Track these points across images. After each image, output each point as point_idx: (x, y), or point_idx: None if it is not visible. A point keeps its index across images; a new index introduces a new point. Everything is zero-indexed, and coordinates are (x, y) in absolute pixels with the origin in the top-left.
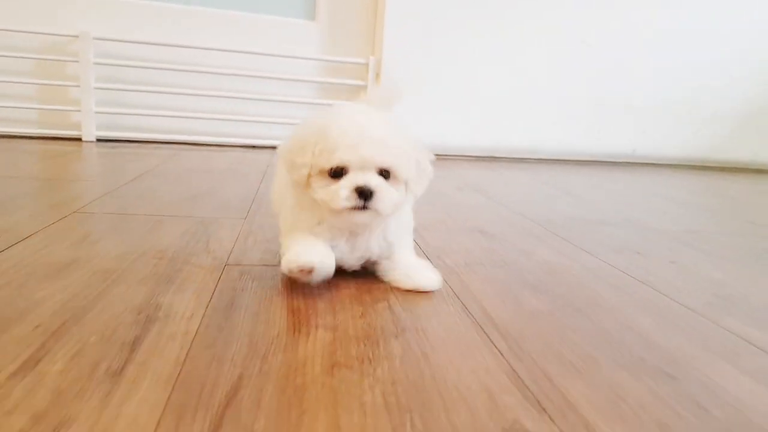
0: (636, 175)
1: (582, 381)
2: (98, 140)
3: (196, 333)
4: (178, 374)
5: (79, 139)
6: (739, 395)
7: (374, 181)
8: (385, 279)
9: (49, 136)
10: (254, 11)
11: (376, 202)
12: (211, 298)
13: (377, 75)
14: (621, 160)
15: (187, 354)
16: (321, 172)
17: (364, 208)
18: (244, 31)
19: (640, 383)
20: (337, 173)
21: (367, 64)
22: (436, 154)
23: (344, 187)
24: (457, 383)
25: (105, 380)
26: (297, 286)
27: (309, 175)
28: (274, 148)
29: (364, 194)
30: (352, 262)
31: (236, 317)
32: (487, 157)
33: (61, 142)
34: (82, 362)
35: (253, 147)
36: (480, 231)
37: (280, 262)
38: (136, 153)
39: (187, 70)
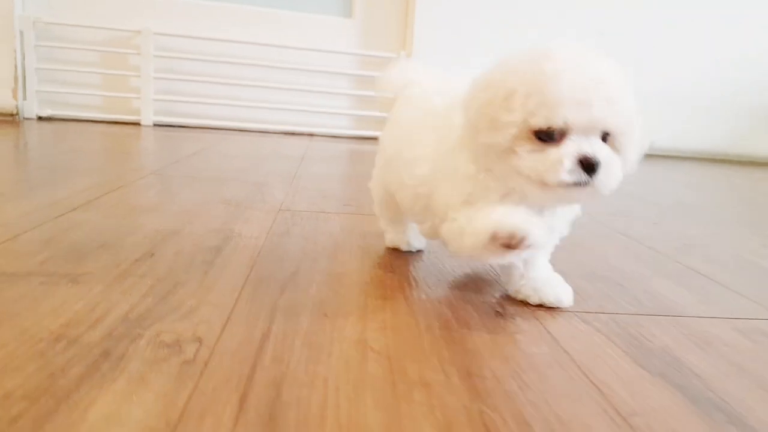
0: (651, 165)
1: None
2: (155, 125)
3: (262, 246)
4: (253, 265)
5: (138, 124)
6: (671, 297)
7: (603, 152)
8: (507, 287)
9: (112, 120)
10: (297, 10)
11: (602, 177)
12: (271, 227)
13: None
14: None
15: (258, 254)
16: (529, 133)
17: (587, 184)
18: (288, 27)
19: (595, 287)
20: (549, 135)
21: (398, 59)
22: None
23: (568, 156)
24: None
25: (202, 265)
26: (334, 229)
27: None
28: (311, 135)
29: (592, 167)
30: None
31: (291, 239)
32: None
33: (122, 126)
34: (183, 256)
35: (293, 134)
36: None
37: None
38: (189, 136)
39: (235, 62)
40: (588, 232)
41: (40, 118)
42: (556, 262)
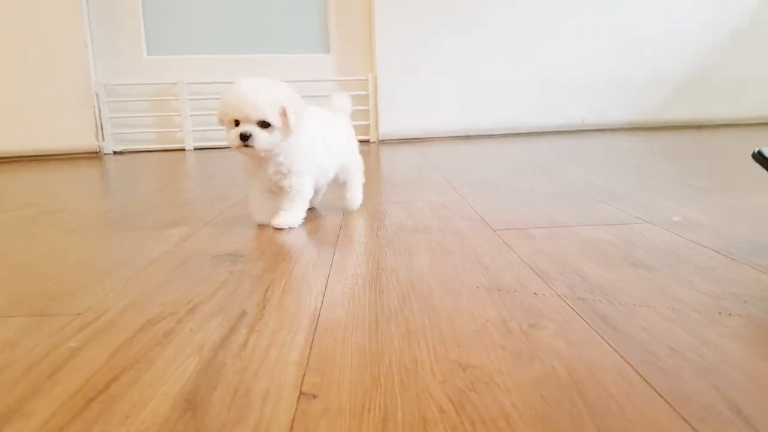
0: (583, 139)
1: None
2: (195, 149)
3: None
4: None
5: (183, 149)
6: (574, 227)
7: (253, 130)
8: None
9: (164, 149)
10: (289, 52)
11: (253, 142)
12: None
13: (375, 86)
14: (573, 129)
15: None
16: (230, 121)
17: (246, 145)
18: (283, 65)
19: (533, 212)
20: (233, 123)
21: (367, 79)
22: (421, 137)
23: (235, 133)
24: None
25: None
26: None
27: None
28: None
29: (245, 137)
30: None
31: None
32: (462, 136)
33: (171, 152)
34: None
35: None
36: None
37: None
38: (219, 154)
39: None
40: (521, 180)
41: (115, 153)
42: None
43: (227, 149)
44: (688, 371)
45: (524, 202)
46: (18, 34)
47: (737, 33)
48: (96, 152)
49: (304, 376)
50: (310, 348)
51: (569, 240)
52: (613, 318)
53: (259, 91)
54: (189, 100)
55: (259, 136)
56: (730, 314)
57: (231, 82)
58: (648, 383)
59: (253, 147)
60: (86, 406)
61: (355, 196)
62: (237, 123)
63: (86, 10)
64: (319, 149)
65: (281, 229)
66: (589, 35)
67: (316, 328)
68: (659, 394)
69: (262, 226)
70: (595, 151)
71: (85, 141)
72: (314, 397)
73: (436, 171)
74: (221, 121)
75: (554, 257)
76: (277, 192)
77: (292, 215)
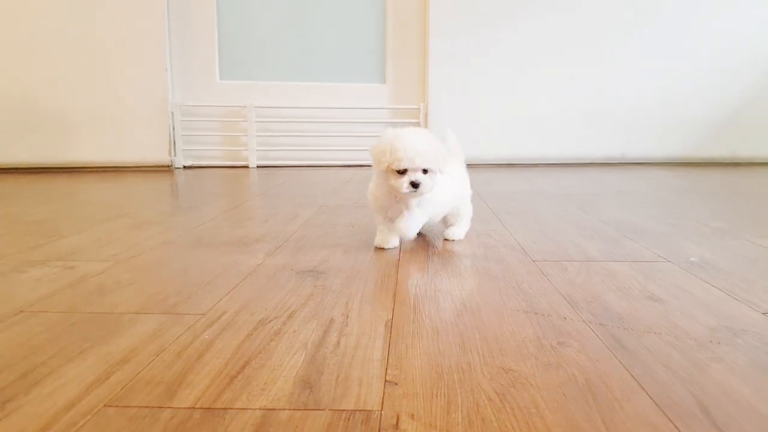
0: (623, 172)
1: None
2: (258, 166)
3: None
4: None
5: (247, 167)
6: (603, 263)
7: (421, 178)
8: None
9: (230, 165)
10: (349, 81)
11: (421, 188)
12: (316, 214)
13: (425, 114)
14: (613, 162)
15: (320, 207)
16: (392, 169)
17: (415, 192)
18: (342, 93)
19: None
20: (399, 171)
21: (419, 108)
22: (470, 164)
23: (406, 181)
24: None
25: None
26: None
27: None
28: (360, 166)
29: (416, 185)
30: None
31: (338, 217)
32: (506, 164)
33: (236, 168)
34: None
35: (347, 166)
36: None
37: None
38: (279, 172)
39: (308, 121)
40: (545, 197)
41: (185, 167)
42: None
43: (285, 167)
44: (675, 383)
45: (562, 234)
46: (107, 56)
47: None
48: (168, 166)
49: (386, 369)
50: (388, 350)
51: (597, 273)
52: (625, 341)
53: (425, 143)
54: (256, 122)
55: (426, 182)
56: (719, 343)
57: (296, 107)
58: (644, 389)
59: (418, 192)
60: (230, 381)
61: (458, 232)
62: (401, 171)
63: (167, 38)
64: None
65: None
66: (632, 64)
67: (390, 336)
68: (651, 398)
69: (378, 249)
70: (632, 187)
71: (158, 155)
72: (396, 384)
73: (480, 199)
74: (382, 166)
75: (583, 288)
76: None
77: (411, 228)
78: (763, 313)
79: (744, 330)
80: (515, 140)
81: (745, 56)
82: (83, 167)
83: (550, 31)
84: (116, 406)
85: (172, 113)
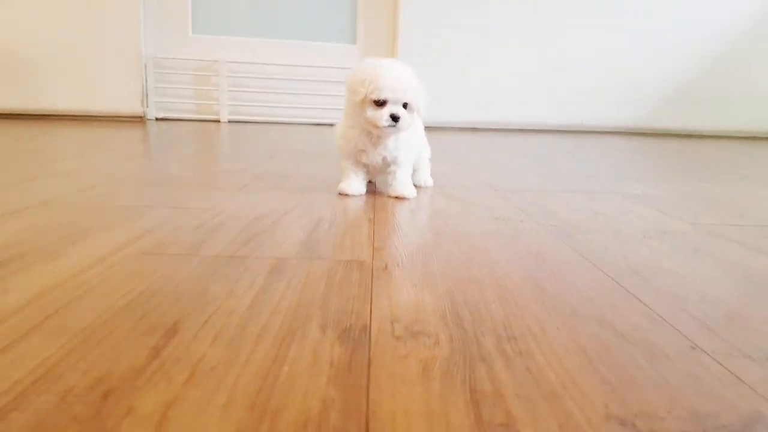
0: (581, 138)
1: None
2: (229, 121)
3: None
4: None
5: (218, 121)
6: (556, 192)
7: (401, 112)
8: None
9: (201, 119)
10: (320, 41)
11: (400, 123)
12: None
13: None
14: (573, 129)
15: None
16: (370, 101)
17: (394, 126)
18: (313, 53)
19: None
20: (378, 103)
21: None
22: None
23: (386, 113)
24: None
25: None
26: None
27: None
28: (328, 125)
29: (396, 118)
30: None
31: (294, 166)
32: (469, 128)
33: (207, 123)
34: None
35: (317, 124)
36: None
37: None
38: (250, 128)
39: (278, 78)
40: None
41: (156, 119)
42: None
43: (255, 123)
44: (613, 256)
45: (522, 175)
46: (80, 7)
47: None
48: (140, 117)
49: (373, 243)
50: (373, 234)
51: (551, 198)
52: (572, 234)
53: (409, 75)
54: (227, 77)
55: (405, 117)
56: (651, 238)
57: (267, 64)
58: (587, 260)
59: (397, 127)
60: (245, 244)
61: (426, 178)
62: (380, 102)
63: None
64: (416, 136)
65: (406, 198)
66: (594, 39)
67: (374, 228)
68: (592, 263)
69: (341, 195)
70: (588, 149)
71: (130, 106)
72: (382, 249)
73: (447, 152)
74: (359, 96)
75: (538, 206)
76: (372, 170)
77: (411, 188)
78: (691, 224)
79: (672, 232)
80: (480, 105)
81: (697, 34)
82: (55, 114)
83: (518, 4)
84: (153, 254)
85: (145, 65)
